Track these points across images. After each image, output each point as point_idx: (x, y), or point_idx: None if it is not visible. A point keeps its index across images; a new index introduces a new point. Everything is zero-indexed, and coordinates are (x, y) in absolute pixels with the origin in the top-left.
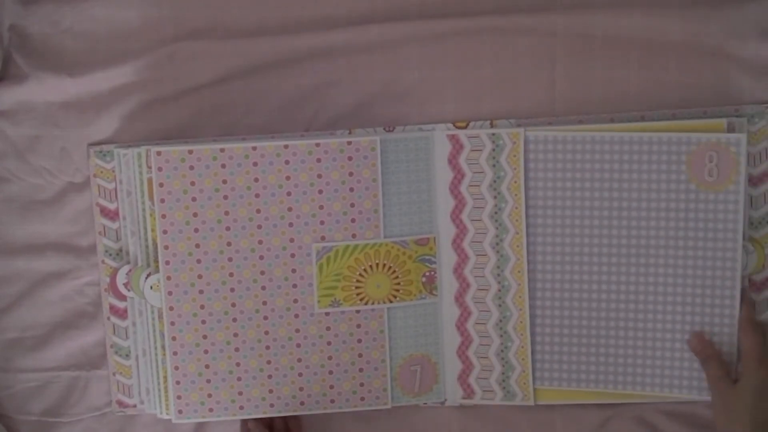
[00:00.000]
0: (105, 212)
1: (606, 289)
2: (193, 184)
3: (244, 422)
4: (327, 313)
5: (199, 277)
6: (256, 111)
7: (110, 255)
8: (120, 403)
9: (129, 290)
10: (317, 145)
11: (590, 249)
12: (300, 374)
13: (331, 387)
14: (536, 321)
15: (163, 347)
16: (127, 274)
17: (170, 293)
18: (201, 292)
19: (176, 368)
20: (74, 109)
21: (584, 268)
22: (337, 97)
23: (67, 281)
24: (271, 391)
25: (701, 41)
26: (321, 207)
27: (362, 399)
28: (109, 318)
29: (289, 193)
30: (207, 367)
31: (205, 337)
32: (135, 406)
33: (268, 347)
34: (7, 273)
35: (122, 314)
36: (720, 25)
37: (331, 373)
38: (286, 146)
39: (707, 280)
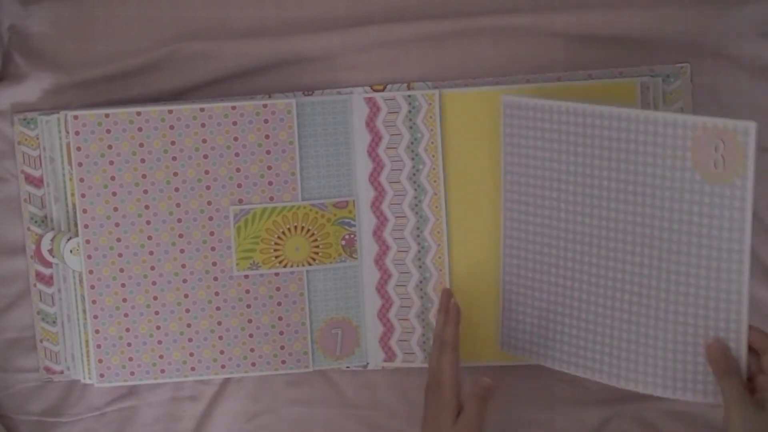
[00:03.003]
0: (30, 179)
1: (571, 265)
2: (110, 147)
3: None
4: (246, 276)
5: (118, 240)
6: None
7: (36, 222)
8: (48, 370)
9: (53, 256)
10: (233, 108)
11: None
12: (220, 337)
13: (252, 350)
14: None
15: (85, 311)
16: (51, 240)
17: (89, 257)
18: (120, 255)
19: (97, 332)
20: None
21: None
22: None
23: None
24: (191, 355)
25: (701, 41)
26: (238, 170)
27: (283, 362)
28: (35, 285)
29: (206, 156)
30: (127, 330)
31: (125, 300)
32: (62, 372)
33: (187, 310)
34: (7, 273)
35: (48, 281)
36: (720, 25)
37: (251, 336)
38: (202, 109)
39: (712, 272)
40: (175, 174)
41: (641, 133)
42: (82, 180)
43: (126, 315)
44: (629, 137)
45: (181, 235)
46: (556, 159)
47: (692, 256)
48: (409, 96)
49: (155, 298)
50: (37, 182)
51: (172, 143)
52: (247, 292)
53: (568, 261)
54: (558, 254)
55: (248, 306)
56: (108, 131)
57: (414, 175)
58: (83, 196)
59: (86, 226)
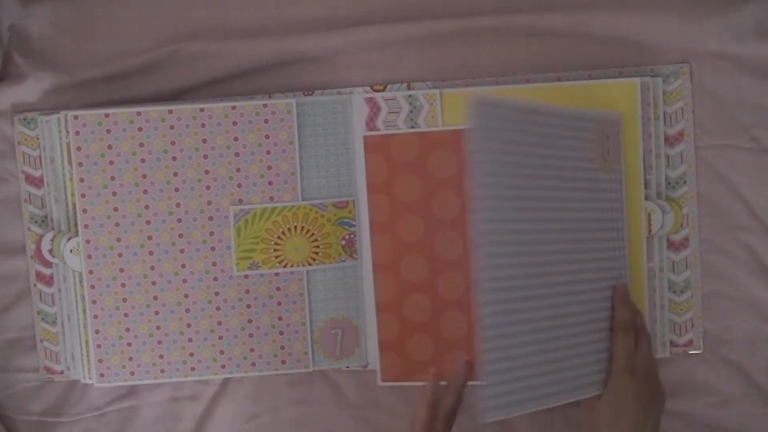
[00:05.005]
0: (30, 179)
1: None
2: (110, 147)
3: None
4: (246, 276)
5: (118, 240)
6: None
7: (36, 222)
8: (48, 370)
9: (53, 256)
10: (233, 108)
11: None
12: (220, 337)
13: (252, 350)
14: None
15: (85, 311)
16: (51, 240)
17: (89, 257)
18: (120, 255)
19: (97, 332)
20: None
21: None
22: None
23: None
24: (191, 355)
25: (701, 41)
26: (238, 170)
27: (283, 362)
28: (35, 285)
29: (206, 156)
30: (127, 330)
31: (125, 300)
32: (62, 372)
33: (187, 310)
34: (7, 273)
35: (48, 281)
36: (720, 25)
37: (251, 336)
38: (202, 109)
39: (606, 252)
40: (175, 174)
41: (562, 128)
42: (82, 180)
43: (126, 315)
44: (559, 133)
45: (181, 235)
46: (530, 154)
47: (597, 242)
48: (410, 96)
49: (155, 298)
50: (37, 182)
51: (172, 143)
52: (247, 292)
53: (553, 275)
54: (540, 269)
55: (248, 306)
56: (108, 131)
57: None
58: (83, 196)
59: (86, 226)
